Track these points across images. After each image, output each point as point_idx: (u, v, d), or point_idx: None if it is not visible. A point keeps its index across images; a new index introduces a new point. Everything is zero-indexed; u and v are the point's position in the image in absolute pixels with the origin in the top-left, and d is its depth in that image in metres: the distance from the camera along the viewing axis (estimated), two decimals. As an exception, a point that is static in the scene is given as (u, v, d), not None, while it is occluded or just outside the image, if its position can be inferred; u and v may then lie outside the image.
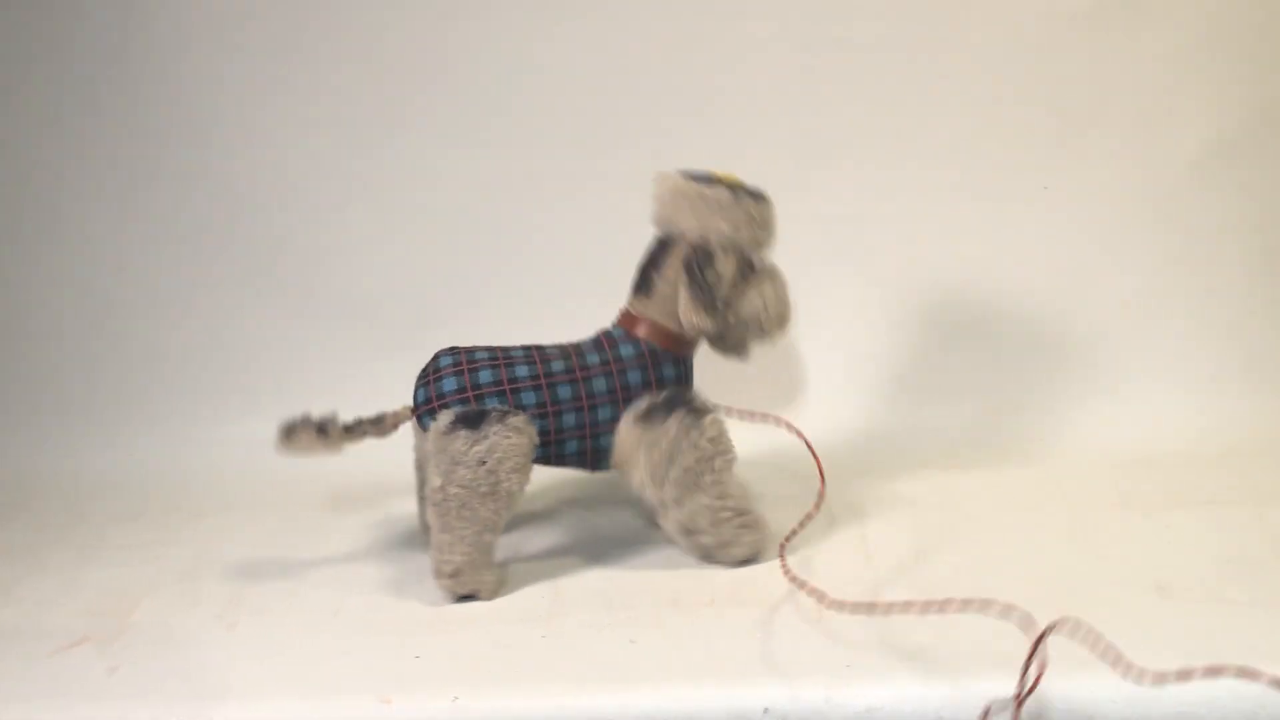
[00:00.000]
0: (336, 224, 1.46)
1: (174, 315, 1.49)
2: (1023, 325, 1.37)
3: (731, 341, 1.09)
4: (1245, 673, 0.78)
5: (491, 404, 1.02)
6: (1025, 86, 1.35)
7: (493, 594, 1.04)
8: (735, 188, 1.05)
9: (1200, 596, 0.95)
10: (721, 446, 1.05)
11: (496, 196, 1.43)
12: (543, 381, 1.04)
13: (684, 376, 1.08)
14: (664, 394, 1.05)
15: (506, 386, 1.03)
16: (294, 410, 1.06)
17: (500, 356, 1.05)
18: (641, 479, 1.05)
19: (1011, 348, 1.38)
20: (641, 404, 1.05)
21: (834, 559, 1.07)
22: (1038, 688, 0.81)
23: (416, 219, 1.45)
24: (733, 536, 1.05)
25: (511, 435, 1.01)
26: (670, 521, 1.06)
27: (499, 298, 1.44)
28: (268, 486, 1.33)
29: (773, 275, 1.07)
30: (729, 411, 1.09)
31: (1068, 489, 1.19)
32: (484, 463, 1.00)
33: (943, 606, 0.90)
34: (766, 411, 1.13)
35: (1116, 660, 0.82)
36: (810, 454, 1.11)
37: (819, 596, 0.97)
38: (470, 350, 1.05)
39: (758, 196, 1.05)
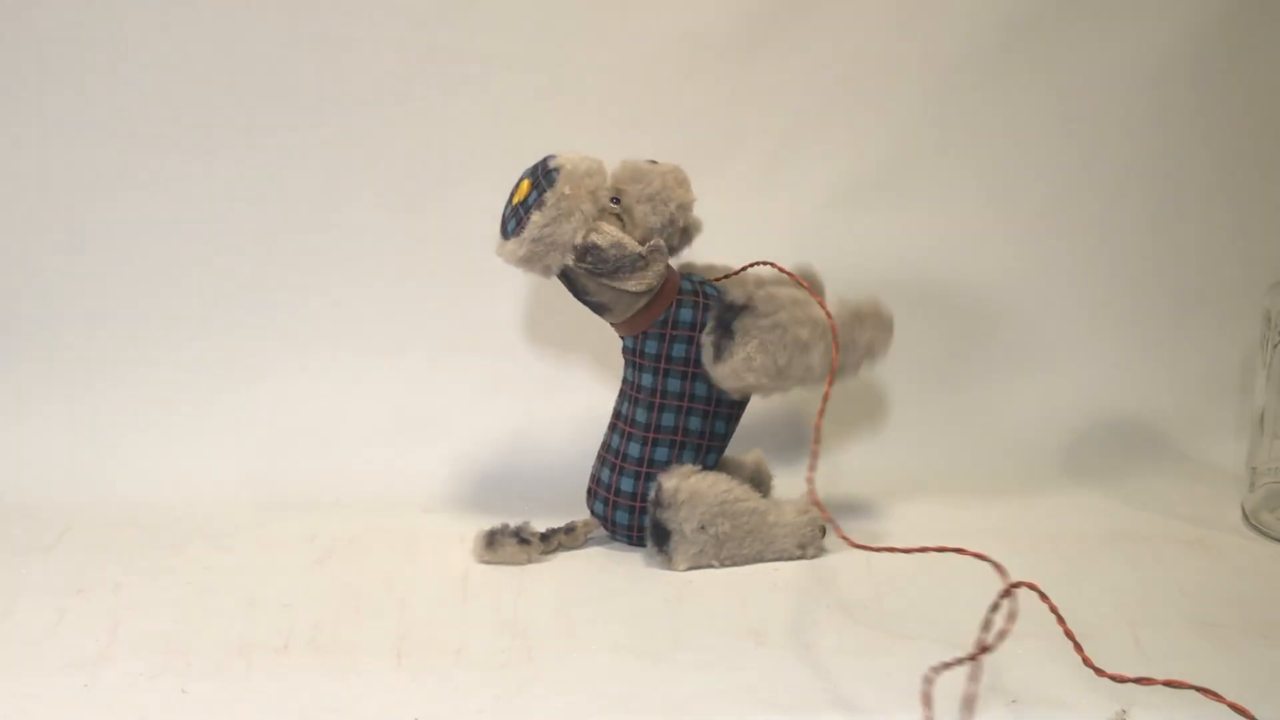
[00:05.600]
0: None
1: None
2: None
3: (676, 247, 1.08)
4: (1206, 692, 0.77)
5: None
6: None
7: None
8: (536, 196, 1.01)
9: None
10: (781, 303, 1.04)
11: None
12: (650, 434, 1.07)
13: (696, 306, 1.06)
14: (713, 324, 1.05)
15: (645, 468, 1.08)
16: None
17: (612, 457, 1.09)
18: (766, 390, 1.06)
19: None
20: (708, 347, 1.05)
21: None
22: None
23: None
24: (862, 337, 1.06)
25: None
26: (816, 378, 1.06)
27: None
28: None
29: (635, 174, 1.05)
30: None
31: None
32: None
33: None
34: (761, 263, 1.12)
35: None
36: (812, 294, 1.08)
37: (843, 535, 0.99)
38: (594, 476, 1.11)
39: (550, 175, 1.01)
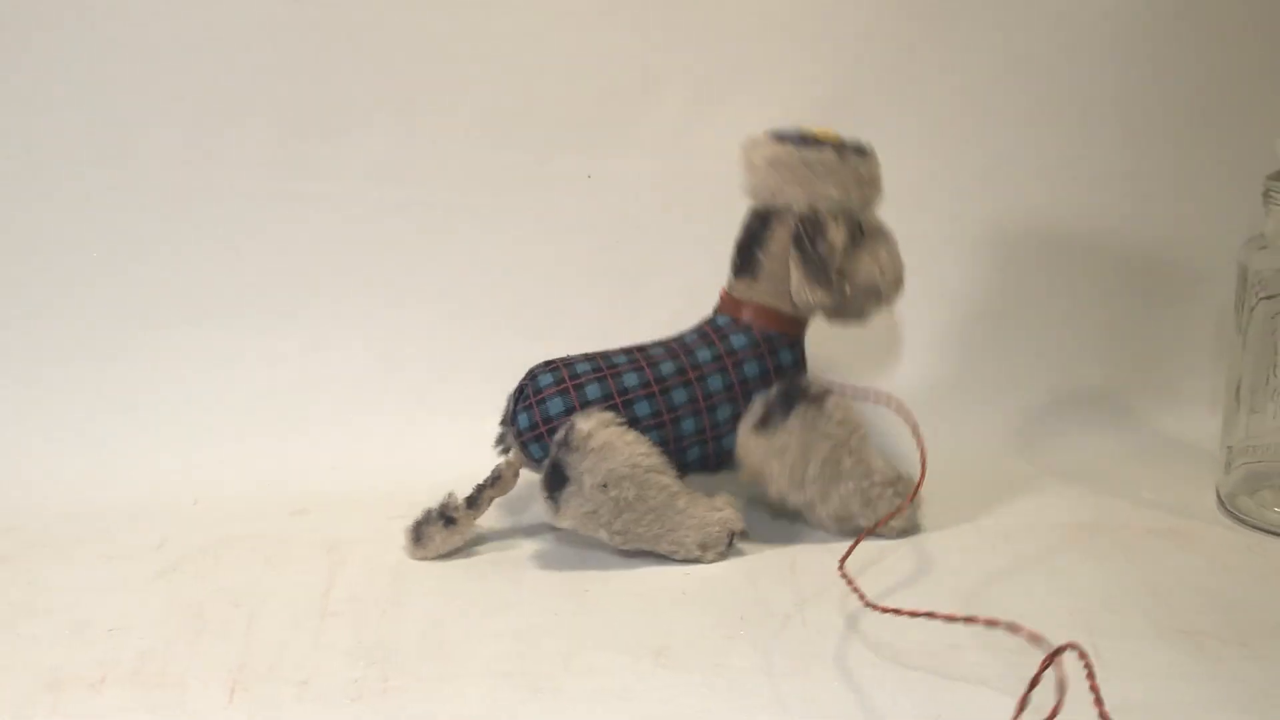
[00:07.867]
0: None
1: None
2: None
3: (850, 312, 1.00)
4: None
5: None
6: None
7: None
8: (839, 146, 0.95)
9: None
10: (852, 425, 0.98)
11: None
12: (655, 389, 0.96)
13: (799, 360, 1.00)
14: (776, 392, 0.97)
15: (618, 399, 0.95)
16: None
17: (604, 366, 0.96)
18: (780, 489, 0.97)
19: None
20: (757, 409, 0.97)
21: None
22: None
23: None
24: (890, 509, 0.99)
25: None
26: (821, 516, 0.98)
27: None
28: None
29: (884, 235, 0.99)
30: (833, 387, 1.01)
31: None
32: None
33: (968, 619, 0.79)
34: (873, 388, 1.03)
35: None
36: (915, 440, 1.00)
37: (860, 596, 0.87)
38: (569, 363, 0.96)
39: (862, 152, 0.97)
